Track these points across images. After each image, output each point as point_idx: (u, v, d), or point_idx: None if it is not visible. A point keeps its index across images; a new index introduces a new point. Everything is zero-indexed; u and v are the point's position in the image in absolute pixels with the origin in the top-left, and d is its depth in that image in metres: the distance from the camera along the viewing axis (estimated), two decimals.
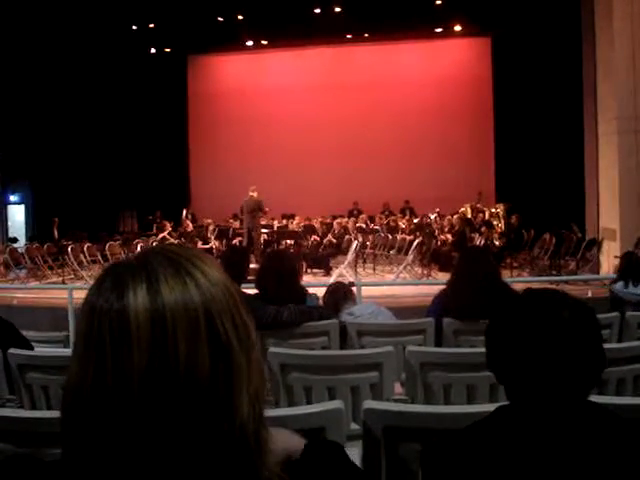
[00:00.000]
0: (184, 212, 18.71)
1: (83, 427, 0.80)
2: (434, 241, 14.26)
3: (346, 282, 5.90)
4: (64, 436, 0.83)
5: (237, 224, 16.88)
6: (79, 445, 0.81)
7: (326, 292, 4.74)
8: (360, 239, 14.40)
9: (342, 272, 12.86)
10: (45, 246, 14.71)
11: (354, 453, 2.09)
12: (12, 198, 20.03)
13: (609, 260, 11.58)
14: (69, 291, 7.34)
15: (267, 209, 15.13)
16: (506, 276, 9.17)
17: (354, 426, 2.84)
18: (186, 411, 0.80)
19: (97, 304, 0.82)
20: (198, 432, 0.80)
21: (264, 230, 15.29)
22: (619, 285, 5.60)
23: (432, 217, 16.76)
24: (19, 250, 14.51)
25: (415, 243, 13.20)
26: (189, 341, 0.81)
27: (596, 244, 12.33)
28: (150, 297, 0.81)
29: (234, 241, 15.07)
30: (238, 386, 0.84)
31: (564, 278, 11.35)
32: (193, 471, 0.80)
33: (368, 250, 14.79)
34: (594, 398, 1.43)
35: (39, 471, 0.89)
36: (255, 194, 14.52)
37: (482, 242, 13.98)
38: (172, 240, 15.05)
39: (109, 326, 0.80)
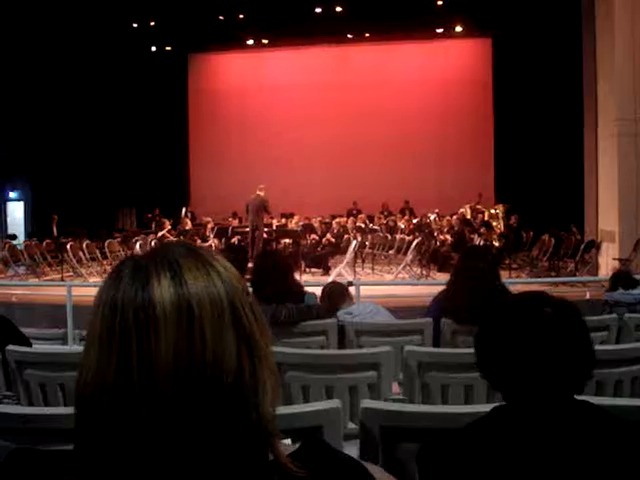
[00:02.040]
0: (183, 210, 18.70)
1: (104, 424, 0.79)
2: (433, 241, 14.26)
3: (344, 282, 5.91)
4: (79, 433, 0.82)
5: (236, 222, 16.88)
6: (97, 441, 0.79)
7: (323, 292, 4.73)
8: (359, 239, 14.40)
9: (341, 271, 12.85)
10: (44, 243, 14.71)
11: (351, 453, 2.09)
12: (11, 195, 20.04)
13: (608, 262, 11.59)
14: (68, 288, 7.33)
15: (270, 211, 15.15)
16: (505, 277, 9.17)
17: (351, 425, 2.84)
18: (214, 402, 0.79)
19: (118, 297, 0.81)
20: (225, 423, 0.80)
21: (265, 229, 15.29)
22: (610, 292, 5.63)
23: (431, 217, 16.76)
24: (18, 247, 14.51)
25: (414, 243, 13.20)
26: (216, 331, 0.81)
27: (595, 246, 12.34)
28: (175, 287, 0.81)
29: (233, 239, 15.07)
30: (262, 376, 0.85)
31: (563, 279, 11.37)
32: (218, 461, 0.80)
33: (367, 250, 14.79)
34: (591, 399, 1.44)
35: (45, 465, 0.88)
36: (262, 193, 14.52)
37: (481, 243, 13.98)
38: (171, 238, 15.04)
39: (134, 318, 0.79)
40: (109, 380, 0.79)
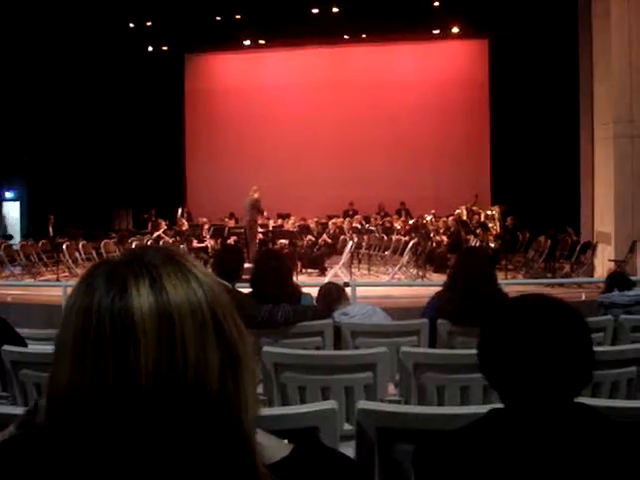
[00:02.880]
0: (179, 211, 18.70)
1: (77, 433, 0.75)
2: (429, 242, 14.27)
3: (341, 282, 5.91)
4: (53, 442, 0.78)
5: (232, 223, 16.88)
6: (71, 453, 0.76)
7: (319, 293, 4.73)
8: (355, 239, 14.40)
9: (337, 272, 12.86)
10: (40, 243, 14.69)
11: (347, 454, 2.08)
12: (7, 195, 19.99)
13: (603, 263, 11.62)
14: (63, 288, 7.33)
15: (263, 210, 15.14)
16: (501, 278, 9.19)
17: (347, 426, 2.84)
18: (197, 416, 0.76)
19: (93, 304, 0.77)
20: (206, 433, 0.77)
21: (259, 230, 15.29)
22: (606, 293, 5.63)
23: (428, 218, 16.77)
24: (14, 247, 14.49)
25: (410, 244, 13.21)
26: (197, 341, 0.78)
27: (591, 247, 12.37)
28: (155, 296, 0.77)
29: (229, 240, 15.06)
30: (244, 384, 0.82)
31: (558, 281, 11.41)
32: (198, 472, 0.77)
33: (363, 250, 14.79)
34: (587, 401, 1.44)
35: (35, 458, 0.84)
36: (256, 195, 14.56)
37: (477, 244, 14.00)
38: (167, 239, 15.03)
39: (111, 328, 0.75)
40: (82, 394, 0.75)
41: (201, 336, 0.78)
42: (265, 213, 15.36)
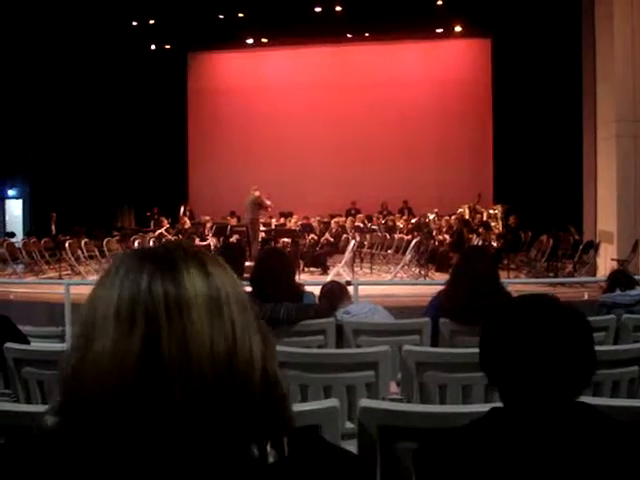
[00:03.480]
0: (182, 209, 18.71)
1: (119, 415, 0.73)
2: (432, 241, 14.27)
3: (343, 281, 5.91)
4: (74, 424, 0.76)
5: (234, 221, 16.89)
6: (101, 430, 0.74)
7: (321, 291, 4.73)
8: (358, 238, 14.41)
9: (339, 271, 12.86)
10: (42, 241, 14.70)
11: None
12: (10, 192, 20.02)
13: (606, 263, 11.60)
14: (66, 286, 7.33)
15: (269, 203, 15.13)
16: (503, 277, 9.17)
17: (349, 425, 2.85)
18: (247, 394, 0.79)
19: (142, 279, 0.78)
20: (253, 412, 0.80)
21: (262, 228, 15.30)
22: (607, 293, 5.60)
23: (430, 217, 16.77)
24: (16, 245, 14.51)
25: (413, 243, 13.20)
26: (242, 320, 0.82)
27: (593, 246, 12.35)
28: (203, 278, 0.81)
29: (231, 238, 15.07)
30: (276, 363, 0.88)
31: (561, 280, 11.39)
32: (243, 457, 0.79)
33: (365, 249, 14.79)
34: (588, 400, 1.44)
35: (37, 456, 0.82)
36: (256, 193, 14.57)
37: (480, 243, 13.99)
38: (170, 237, 15.04)
39: (164, 299, 0.77)
40: (129, 364, 0.73)
41: (245, 317, 0.83)
42: (269, 202, 15.29)
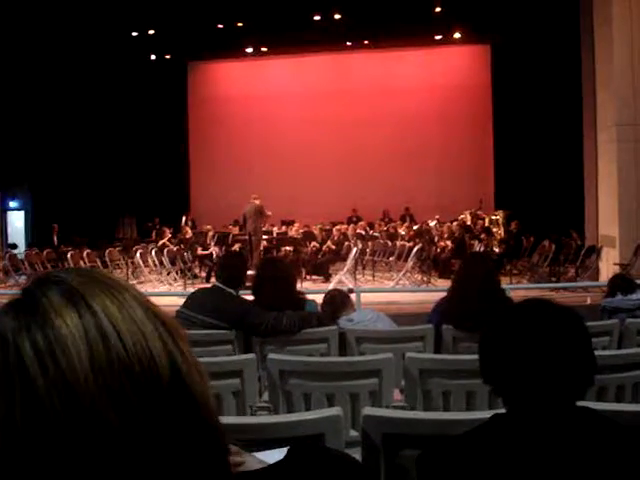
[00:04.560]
0: (183, 218, 18.72)
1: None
2: (434, 248, 14.26)
3: (345, 289, 5.90)
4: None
5: (236, 230, 16.88)
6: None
7: (324, 299, 4.73)
8: (359, 245, 14.40)
9: (341, 279, 12.85)
10: (45, 252, 14.72)
11: None
12: (12, 204, 20.03)
13: (608, 267, 11.58)
14: None
15: (269, 213, 15.13)
16: (505, 283, 9.17)
17: (353, 433, 2.84)
18: (157, 402, 0.70)
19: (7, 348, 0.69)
20: (176, 426, 0.71)
21: (264, 237, 15.28)
22: (609, 298, 5.59)
23: (432, 224, 16.77)
24: (18, 256, 14.52)
25: (415, 250, 13.20)
26: (125, 315, 0.71)
27: (595, 251, 12.34)
28: (75, 310, 0.70)
29: (233, 247, 15.06)
30: (191, 358, 0.75)
31: (563, 285, 11.39)
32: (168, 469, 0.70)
33: (367, 257, 14.78)
34: (593, 405, 1.44)
35: None
36: (257, 201, 14.54)
37: (482, 249, 13.98)
38: (171, 247, 15.04)
39: (35, 356, 0.68)
40: (15, 426, 0.66)
41: (126, 308, 0.72)
42: (269, 213, 15.27)
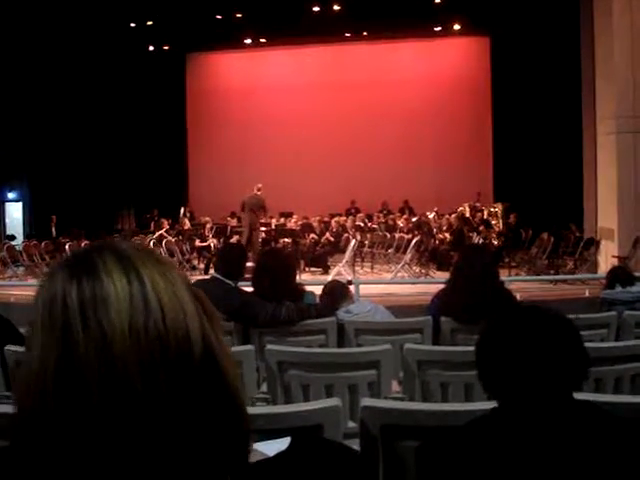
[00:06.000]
0: (182, 210, 18.70)
1: (48, 423, 0.70)
2: (432, 240, 14.26)
3: (344, 281, 5.91)
4: (22, 432, 0.73)
5: (234, 222, 16.88)
6: (42, 440, 0.71)
7: (323, 291, 4.73)
8: (358, 237, 14.40)
9: (340, 270, 12.86)
10: (43, 243, 14.70)
11: None
12: (10, 195, 20.01)
13: (607, 260, 11.59)
14: None
15: (269, 211, 15.10)
16: (504, 275, 9.17)
17: (351, 424, 2.84)
18: (185, 380, 0.73)
19: (56, 297, 0.74)
20: (202, 406, 0.74)
21: (262, 228, 15.25)
22: (608, 290, 5.59)
23: (430, 216, 16.76)
24: (17, 247, 14.51)
25: (413, 242, 13.20)
26: (170, 292, 0.76)
27: (594, 244, 12.34)
28: (125, 275, 0.75)
29: (232, 239, 15.05)
30: (225, 346, 0.80)
31: (562, 277, 11.39)
32: (194, 458, 0.73)
33: (366, 249, 14.78)
34: (590, 397, 1.45)
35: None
36: (260, 193, 14.44)
37: (480, 241, 13.99)
38: (170, 238, 15.03)
39: (78, 297, 0.73)
40: (50, 368, 0.71)
41: (172, 285, 0.77)
42: (268, 211, 15.27)
